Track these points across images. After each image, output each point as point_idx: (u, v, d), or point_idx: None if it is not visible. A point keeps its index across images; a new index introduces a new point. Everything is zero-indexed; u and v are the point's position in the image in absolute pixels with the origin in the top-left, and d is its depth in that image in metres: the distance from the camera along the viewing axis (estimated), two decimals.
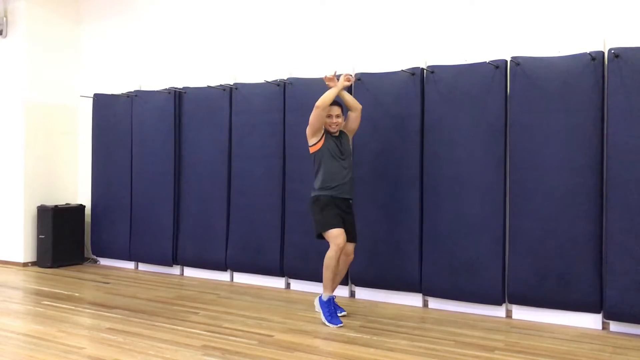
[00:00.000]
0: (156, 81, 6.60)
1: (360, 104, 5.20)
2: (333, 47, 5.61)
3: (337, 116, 4.53)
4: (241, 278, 5.93)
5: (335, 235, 4.33)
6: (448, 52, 5.00)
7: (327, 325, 4.30)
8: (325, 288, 4.42)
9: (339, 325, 4.28)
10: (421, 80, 4.98)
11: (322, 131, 4.51)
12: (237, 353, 3.67)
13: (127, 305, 4.92)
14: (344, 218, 4.47)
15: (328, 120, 4.51)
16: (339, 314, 4.48)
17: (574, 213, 4.34)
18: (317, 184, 4.51)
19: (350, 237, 4.52)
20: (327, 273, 4.37)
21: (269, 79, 5.72)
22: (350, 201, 4.58)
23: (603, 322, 4.31)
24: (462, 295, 4.76)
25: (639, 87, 4.12)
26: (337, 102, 4.58)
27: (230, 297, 5.30)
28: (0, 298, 5.19)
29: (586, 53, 4.33)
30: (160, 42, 6.76)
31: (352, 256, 4.60)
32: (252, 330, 4.20)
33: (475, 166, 4.71)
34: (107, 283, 5.91)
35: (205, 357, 3.59)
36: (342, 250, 4.34)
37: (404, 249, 4.98)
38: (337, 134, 4.58)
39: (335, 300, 4.49)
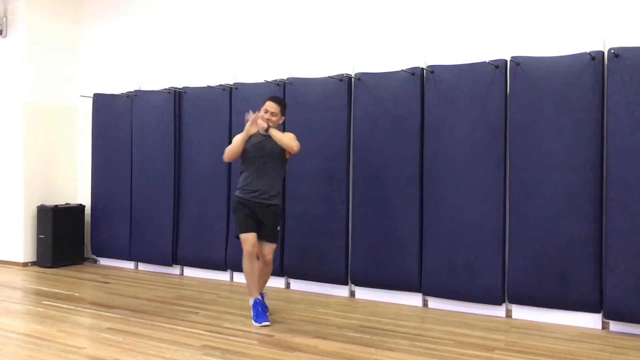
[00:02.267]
0: (156, 81, 6.60)
1: (360, 103, 5.22)
2: (333, 47, 5.61)
3: (273, 114, 4.44)
4: (241, 278, 5.90)
5: (243, 240, 4.34)
6: (448, 52, 5.00)
7: (255, 325, 4.29)
8: (250, 293, 4.44)
9: (264, 323, 4.26)
10: (421, 80, 4.98)
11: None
12: (237, 353, 3.67)
13: (127, 305, 4.92)
14: (259, 219, 4.38)
15: (262, 114, 4.44)
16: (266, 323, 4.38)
17: (573, 213, 4.34)
18: (238, 184, 4.51)
19: (265, 237, 4.41)
20: (245, 278, 4.45)
21: (269, 79, 5.72)
22: (268, 203, 4.40)
23: (603, 322, 4.31)
24: (462, 295, 4.76)
25: (638, 86, 4.12)
26: (278, 99, 4.55)
27: (230, 297, 5.30)
28: (0, 298, 5.19)
29: (586, 53, 4.33)
30: (160, 42, 6.76)
31: (269, 256, 4.44)
32: (252, 330, 4.20)
33: (475, 166, 4.72)
34: (107, 283, 5.91)
35: (205, 357, 3.59)
36: (251, 254, 4.31)
37: (403, 249, 4.98)
38: (267, 133, 4.46)
39: (264, 299, 4.51)
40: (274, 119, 4.46)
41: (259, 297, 4.42)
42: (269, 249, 4.46)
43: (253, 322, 4.33)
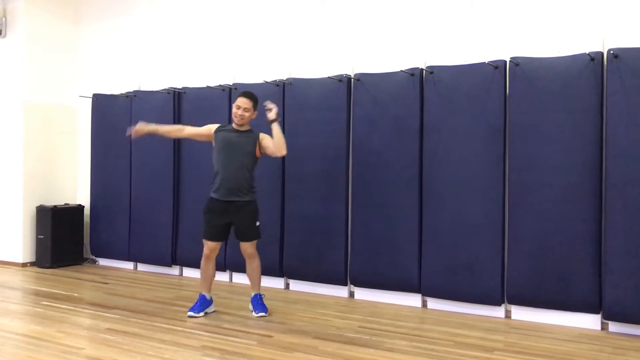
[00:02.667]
0: (155, 81, 6.60)
1: (360, 104, 5.22)
2: (332, 47, 5.61)
3: (245, 110, 4.45)
4: (240, 278, 5.92)
5: (204, 243, 4.57)
6: (447, 53, 5.01)
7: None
8: (200, 287, 4.66)
9: (189, 314, 4.47)
10: (420, 81, 4.98)
11: (211, 131, 4.55)
12: (236, 353, 3.66)
13: (126, 305, 4.92)
14: (232, 220, 4.44)
15: (234, 110, 4.48)
16: (256, 315, 4.56)
17: (573, 213, 4.35)
18: (212, 181, 4.58)
19: (241, 237, 4.49)
20: (200, 274, 4.68)
21: (269, 79, 5.72)
22: (241, 202, 4.46)
23: (602, 323, 4.32)
24: (461, 296, 4.76)
25: (637, 87, 4.13)
26: (249, 94, 4.55)
27: (229, 297, 5.29)
28: (0, 298, 5.20)
29: (585, 53, 4.33)
30: (159, 43, 6.76)
31: (248, 250, 4.51)
32: (252, 330, 4.20)
33: (474, 166, 4.72)
34: (106, 283, 5.91)
35: (204, 358, 3.59)
36: (207, 257, 4.54)
37: (403, 249, 4.98)
38: (241, 128, 4.49)
39: (262, 299, 4.68)
40: (246, 114, 4.48)
41: (206, 295, 4.62)
42: (246, 245, 4.55)
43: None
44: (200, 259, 6.04)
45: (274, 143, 4.46)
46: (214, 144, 4.59)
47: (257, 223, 4.57)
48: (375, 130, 5.13)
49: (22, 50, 6.81)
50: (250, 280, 4.71)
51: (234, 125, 4.57)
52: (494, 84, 4.66)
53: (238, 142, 4.48)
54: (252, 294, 4.67)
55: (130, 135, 4.63)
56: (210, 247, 4.54)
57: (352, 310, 4.84)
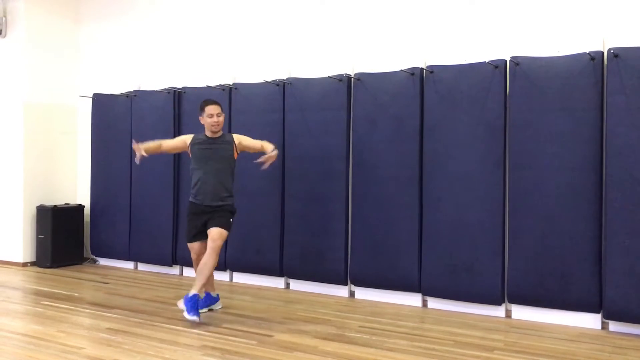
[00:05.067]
0: (155, 81, 6.60)
1: (360, 104, 5.23)
2: (332, 47, 5.61)
3: (218, 115, 4.52)
4: (240, 278, 5.93)
5: (190, 248, 4.65)
6: (447, 52, 5.00)
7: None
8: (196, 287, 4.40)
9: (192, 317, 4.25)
10: (420, 80, 4.98)
11: (186, 143, 4.61)
12: (236, 353, 3.66)
13: (127, 305, 4.92)
14: (207, 218, 4.46)
15: (209, 120, 4.50)
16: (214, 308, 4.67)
17: (573, 213, 4.35)
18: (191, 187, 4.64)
19: (215, 223, 4.43)
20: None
21: (269, 79, 5.72)
22: (216, 205, 4.47)
23: (602, 322, 4.32)
24: (462, 295, 4.76)
25: (638, 86, 4.12)
26: (215, 101, 4.63)
27: (229, 297, 5.29)
28: (0, 298, 5.19)
29: (585, 53, 4.33)
30: (159, 42, 6.76)
31: (217, 242, 4.36)
32: (252, 330, 4.20)
33: (474, 166, 4.72)
34: (107, 283, 5.91)
35: (204, 357, 3.59)
36: (195, 262, 4.57)
37: (403, 249, 4.98)
38: (217, 135, 4.55)
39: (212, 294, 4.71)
40: (222, 119, 4.57)
41: (211, 293, 4.67)
42: (215, 232, 4.38)
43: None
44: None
45: (254, 144, 4.65)
46: (190, 155, 4.64)
47: (231, 219, 4.57)
48: (375, 129, 5.13)
49: (22, 50, 6.81)
50: (197, 275, 4.37)
51: (207, 133, 4.60)
52: (494, 83, 4.66)
53: (216, 148, 4.53)
54: (191, 294, 4.27)
55: (138, 160, 4.62)
56: (195, 250, 4.60)
57: (353, 309, 4.84)
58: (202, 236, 4.54)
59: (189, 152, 4.65)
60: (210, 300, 4.69)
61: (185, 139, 4.72)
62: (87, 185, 7.03)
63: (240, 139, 4.66)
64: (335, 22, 5.62)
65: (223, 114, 4.60)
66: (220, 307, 4.76)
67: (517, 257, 4.54)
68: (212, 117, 4.50)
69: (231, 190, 4.60)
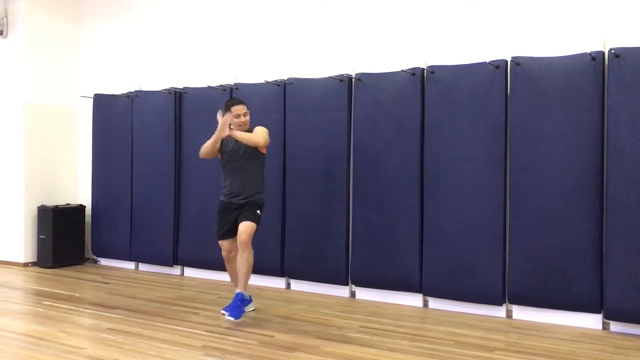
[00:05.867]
0: (156, 81, 6.60)
1: (361, 104, 5.22)
2: (333, 47, 5.61)
3: (245, 114, 4.51)
4: None
5: (220, 245, 4.63)
6: (448, 52, 5.00)
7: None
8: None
9: (224, 312, 4.45)
10: (421, 81, 4.98)
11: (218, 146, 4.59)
12: (237, 353, 3.67)
13: (128, 305, 4.93)
14: (237, 214, 4.47)
15: (236, 120, 4.48)
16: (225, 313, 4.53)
17: (574, 213, 4.34)
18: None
19: (242, 218, 4.42)
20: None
21: (269, 79, 5.72)
22: (242, 202, 4.47)
23: (603, 322, 4.31)
24: (462, 296, 4.76)
25: (639, 87, 4.12)
26: (241, 100, 4.60)
27: (230, 297, 5.25)
28: (1, 298, 5.19)
29: (586, 53, 4.33)
30: (160, 43, 6.76)
31: (242, 235, 4.34)
32: (252, 330, 4.20)
33: (475, 166, 4.71)
34: (108, 283, 5.91)
35: (205, 357, 3.59)
36: (226, 258, 4.61)
37: (404, 249, 4.98)
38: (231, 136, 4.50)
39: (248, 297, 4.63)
40: (248, 118, 4.54)
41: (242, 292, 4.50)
42: (242, 226, 4.37)
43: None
44: (200, 259, 6.12)
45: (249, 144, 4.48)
46: (219, 155, 4.65)
47: (259, 211, 4.53)
48: (376, 130, 5.13)
49: (23, 51, 6.82)
50: (239, 273, 4.41)
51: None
52: (495, 83, 4.66)
53: (242, 146, 4.49)
54: (236, 292, 4.40)
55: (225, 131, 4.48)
56: (224, 248, 4.59)
57: (353, 310, 4.84)
58: (231, 234, 4.52)
59: (220, 151, 4.63)
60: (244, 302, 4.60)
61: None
62: (88, 186, 7.03)
63: (256, 130, 4.56)
64: (336, 22, 5.62)
65: (249, 113, 4.57)
66: (252, 309, 4.72)
67: (517, 257, 4.54)
68: (238, 117, 4.49)
69: (260, 187, 4.58)
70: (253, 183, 4.54)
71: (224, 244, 4.59)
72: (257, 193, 4.54)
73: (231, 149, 4.54)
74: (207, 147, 4.56)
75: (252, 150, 4.51)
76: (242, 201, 4.48)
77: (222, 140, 4.56)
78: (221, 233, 4.59)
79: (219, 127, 4.45)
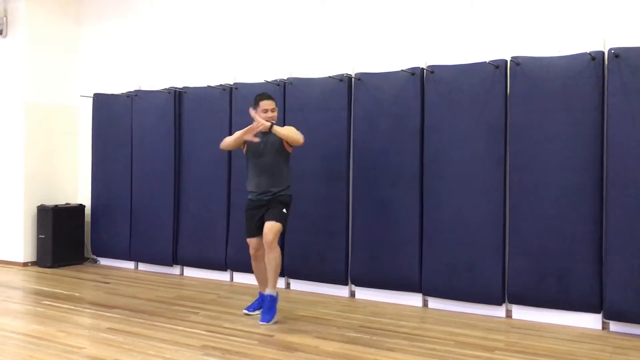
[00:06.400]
0: (156, 81, 6.60)
1: (361, 103, 5.22)
2: (333, 46, 5.61)
3: (272, 110, 4.48)
4: (241, 278, 5.93)
5: (248, 243, 4.60)
6: (448, 52, 5.00)
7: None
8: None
9: (254, 312, 4.57)
10: (421, 80, 4.98)
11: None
12: (237, 353, 3.67)
13: (127, 305, 4.93)
14: (264, 212, 4.46)
15: (263, 115, 4.44)
16: (250, 312, 4.58)
17: (574, 213, 4.35)
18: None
19: (268, 217, 4.42)
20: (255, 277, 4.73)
21: (269, 79, 5.72)
22: (268, 199, 4.45)
23: (603, 322, 4.31)
24: (462, 295, 4.76)
25: (638, 86, 4.12)
26: (270, 95, 4.57)
27: (230, 297, 5.30)
28: (1, 298, 5.19)
29: (586, 53, 4.33)
30: (160, 42, 6.76)
31: (268, 235, 4.33)
32: (252, 330, 4.20)
33: (475, 166, 4.72)
34: (107, 283, 5.91)
35: (205, 357, 3.59)
36: (253, 257, 4.57)
37: (403, 249, 4.98)
38: (271, 130, 4.46)
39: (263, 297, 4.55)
40: (275, 114, 4.52)
41: (264, 292, 4.48)
42: (267, 226, 4.36)
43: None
44: (200, 259, 6.11)
45: (289, 141, 4.49)
46: (244, 151, 4.62)
47: (285, 210, 4.51)
48: (376, 129, 5.13)
49: (23, 50, 6.81)
50: (267, 274, 4.39)
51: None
52: (494, 83, 4.66)
53: (265, 141, 4.47)
54: (266, 292, 4.42)
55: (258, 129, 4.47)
56: (253, 246, 4.55)
57: (353, 309, 4.84)
58: (259, 232, 4.49)
59: (243, 147, 4.61)
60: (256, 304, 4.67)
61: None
62: (88, 185, 7.03)
63: (286, 126, 4.58)
64: (336, 22, 5.62)
65: (277, 109, 4.56)
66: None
67: (517, 257, 4.54)
68: (266, 112, 4.45)
69: (285, 183, 4.54)
70: (279, 180, 4.50)
71: (252, 241, 4.55)
72: (283, 190, 4.51)
73: (258, 144, 4.46)
74: (230, 144, 4.53)
75: (279, 147, 4.48)
76: (269, 197, 4.46)
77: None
78: (249, 230, 4.56)
79: (254, 123, 4.39)
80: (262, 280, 4.56)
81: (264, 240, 4.35)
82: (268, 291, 4.39)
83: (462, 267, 4.73)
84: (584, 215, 4.32)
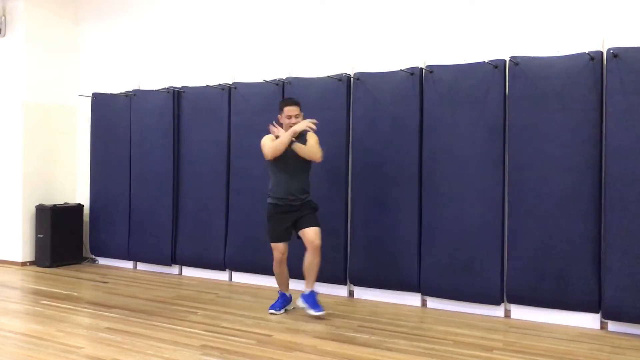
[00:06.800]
0: (155, 80, 6.59)
1: (360, 103, 5.22)
2: (332, 46, 5.61)
3: (296, 116, 4.53)
4: (240, 278, 5.93)
5: (274, 247, 4.59)
6: (447, 52, 5.01)
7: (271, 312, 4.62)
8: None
9: (271, 311, 4.62)
10: (420, 80, 4.98)
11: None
12: (236, 353, 3.67)
13: (126, 304, 4.92)
14: (296, 217, 4.49)
15: (287, 121, 4.51)
16: (315, 313, 4.53)
17: (572, 213, 4.35)
18: (268, 189, 4.62)
19: (305, 224, 4.48)
20: (275, 279, 4.77)
21: (268, 79, 5.72)
22: (299, 204, 4.51)
23: (601, 322, 4.32)
24: (461, 295, 4.76)
25: (637, 86, 4.13)
26: (295, 101, 4.59)
27: (229, 296, 5.30)
28: None
29: (585, 53, 4.33)
30: (159, 42, 6.76)
31: (316, 242, 4.47)
32: (251, 329, 4.20)
33: (474, 166, 4.72)
34: (106, 282, 5.91)
35: (204, 357, 3.59)
36: (280, 261, 4.58)
37: (402, 249, 4.98)
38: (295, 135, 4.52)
39: (316, 297, 4.61)
40: (299, 120, 4.54)
41: (286, 293, 4.73)
42: (313, 233, 4.47)
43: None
44: (199, 259, 6.11)
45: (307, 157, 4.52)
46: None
47: (316, 212, 4.62)
48: (375, 129, 5.13)
49: (21, 50, 6.81)
50: (308, 275, 4.54)
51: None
52: (493, 83, 4.66)
53: (292, 148, 4.49)
54: (308, 291, 4.57)
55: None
56: (280, 250, 4.57)
57: (352, 309, 4.84)
58: (288, 237, 4.55)
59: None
60: (285, 301, 4.75)
61: (272, 137, 4.63)
62: (87, 185, 7.03)
63: (310, 138, 4.57)
64: (335, 21, 5.62)
65: (302, 114, 4.58)
66: (293, 307, 4.78)
67: (516, 257, 4.54)
68: (290, 119, 4.50)
69: (309, 189, 4.63)
70: (306, 185, 4.59)
71: (279, 246, 4.56)
72: (309, 195, 4.60)
73: (285, 152, 4.48)
74: (278, 149, 4.47)
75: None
76: (299, 203, 4.50)
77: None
78: (277, 235, 4.55)
79: (289, 132, 4.43)
80: (284, 282, 4.72)
81: (314, 245, 4.46)
82: (309, 289, 4.55)
83: (460, 266, 4.73)
84: (583, 215, 4.32)
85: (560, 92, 4.41)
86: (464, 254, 4.73)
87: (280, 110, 4.60)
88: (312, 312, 4.48)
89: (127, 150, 6.64)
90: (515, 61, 4.57)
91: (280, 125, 4.64)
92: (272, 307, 4.68)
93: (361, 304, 5.03)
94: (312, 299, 4.55)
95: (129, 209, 6.61)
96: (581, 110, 4.34)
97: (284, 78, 5.65)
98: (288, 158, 4.51)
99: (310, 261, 4.51)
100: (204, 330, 4.16)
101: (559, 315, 4.43)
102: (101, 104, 6.90)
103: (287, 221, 4.54)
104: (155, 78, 6.63)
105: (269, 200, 4.62)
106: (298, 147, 4.47)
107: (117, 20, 7.08)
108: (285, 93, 5.58)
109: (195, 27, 6.49)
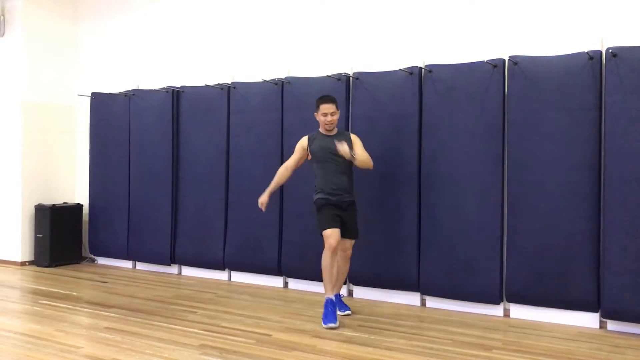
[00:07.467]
0: (154, 80, 6.59)
1: (359, 103, 5.22)
2: (331, 46, 5.61)
3: (332, 114, 4.47)
4: (239, 277, 5.93)
5: (327, 235, 4.33)
6: (446, 51, 5.00)
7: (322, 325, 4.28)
8: (325, 290, 4.39)
9: (328, 325, 4.21)
10: (419, 80, 4.98)
11: (305, 148, 4.58)
12: (235, 352, 3.67)
13: (125, 304, 4.92)
14: (343, 217, 4.45)
15: (323, 118, 4.48)
16: (341, 313, 4.54)
17: (571, 212, 4.35)
18: (315, 186, 4.55)
19: (348, 234, 4.50)
20: (323, 274, 4.38)
21: (267, 78, 5.72)
22: (349, 201, 4.51)
23: (600, 321, 4.32)
24: (460, 294, 4.76)
25: (636, 86, 4.13)
26: (331, 98, 4.53)
27: (228, 296, 5.30)
28: None
29: (584, 52, 4.33)
30: (158, 41, 6.75)
31: (349, 251, 4.57)
32: (250, 329, 4.20)
33: (473, 165, 4.72)
34: (105, 282, 5.90)
35: (203, 357, 3.59)
36: (333, 249, 4.30)
37: (402, 248, 4.98)
38: (332, 132, 4.54)
39: (341, 298, 4.65)
40: (335, 117, 4.50)
41: (332, 297, 4.33)
42: (350, 244, 4.57)
43: (322, 322, 4.29)
44: (198, 258, 6.10)
45: (360, 158, 4.42)
46: (309, 157, 4.61)
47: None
48: (374, 128, 5.12)
49: (20, 49, 6.80)
50: (339, 280, 4.55)
51: (322, 130, 4.56)
52: (492, 82, 4.66)
53: (333, 144, 4.43)
54: (329, 297, 4.36)
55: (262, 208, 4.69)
56: (335, 236, 4.31)
57: (351, 308, 4.83)
58: (339, 226, 4.41)
59: (309, 153, 4.59)
60: (338, 303, 4.56)
61: (303, 144, 4.61)
62: (86, 185, 7.03)
63: (356, 141, 4.55)
64: (334, 21, 5.62)
65: (338, 112, 4.53)
66: (347, 312, 4.69)
67: (515, 256, 4.54)
68: (326, 116, 4.46)
69: (352, 186, 4.59)
70: (349, 181, 4.55)
71: (336, 232, 4.33)
72: (354, 191, 4.60)
73: (321, 148, 4.46)
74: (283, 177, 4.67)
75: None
76: (348, 199, 4.49)
77: (312, 142, 4.54)
78: (333, 223, 4.36)
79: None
80: (335, 279, 4.38)
81: (347, 254, 4.55)
82: (337, 292, 4.47)
83: (460, 266, 4.73)
84: (582, 214, 4.32)
85: (559, 92, 4.41)
86: (463, 253, 4.73)
87: (317, 107, 4.52)
88: (339, 312, 4.51)
89: (126, 150, 6.64)
90: (515, 60, 4.57)
91: (317, 122, 4.60)
92: (327, 319, 4.24)
93: (360, 304, 5.03)
94: (339, 300, 4.59)
95: (128, 208, 6.61)
96: (580, 109, 4.34)
97: (283, 77, 5.65)
98: (326, 155, 4.45)
99: (341, 267, 4.55)
100: (203, 330, 4.16)
101: (558, 314, 4.43)
102: (100, 103, 6.89)
103: (338, 212, 4.44)
104: (154, 77, 6.62)
105: (319, 195, 4.47)
106: (359, 158, 4.38)
107: (116, 19, 7.08)
108: (284, 92, 5.58)
109: (194, 26, 6.49)
